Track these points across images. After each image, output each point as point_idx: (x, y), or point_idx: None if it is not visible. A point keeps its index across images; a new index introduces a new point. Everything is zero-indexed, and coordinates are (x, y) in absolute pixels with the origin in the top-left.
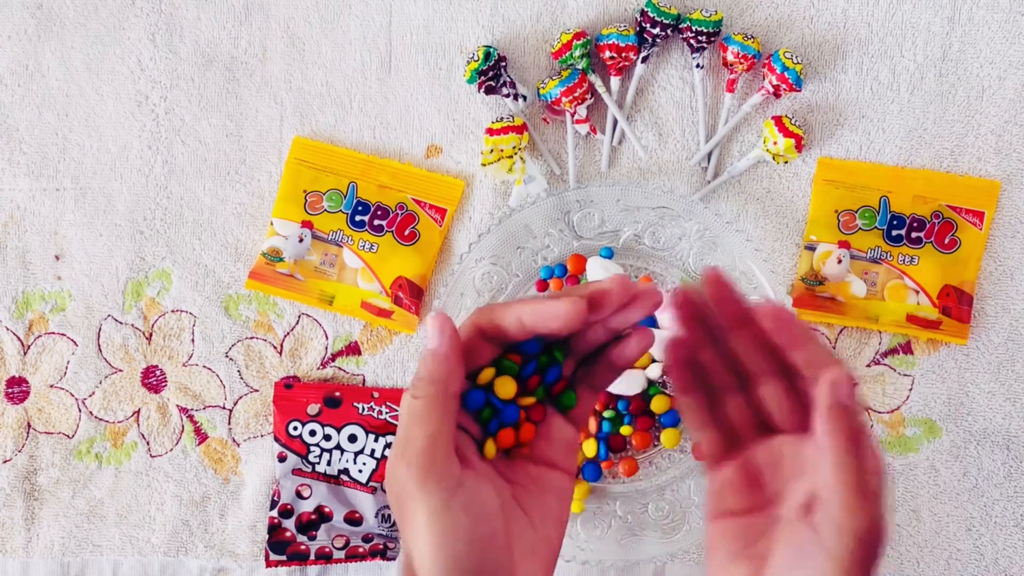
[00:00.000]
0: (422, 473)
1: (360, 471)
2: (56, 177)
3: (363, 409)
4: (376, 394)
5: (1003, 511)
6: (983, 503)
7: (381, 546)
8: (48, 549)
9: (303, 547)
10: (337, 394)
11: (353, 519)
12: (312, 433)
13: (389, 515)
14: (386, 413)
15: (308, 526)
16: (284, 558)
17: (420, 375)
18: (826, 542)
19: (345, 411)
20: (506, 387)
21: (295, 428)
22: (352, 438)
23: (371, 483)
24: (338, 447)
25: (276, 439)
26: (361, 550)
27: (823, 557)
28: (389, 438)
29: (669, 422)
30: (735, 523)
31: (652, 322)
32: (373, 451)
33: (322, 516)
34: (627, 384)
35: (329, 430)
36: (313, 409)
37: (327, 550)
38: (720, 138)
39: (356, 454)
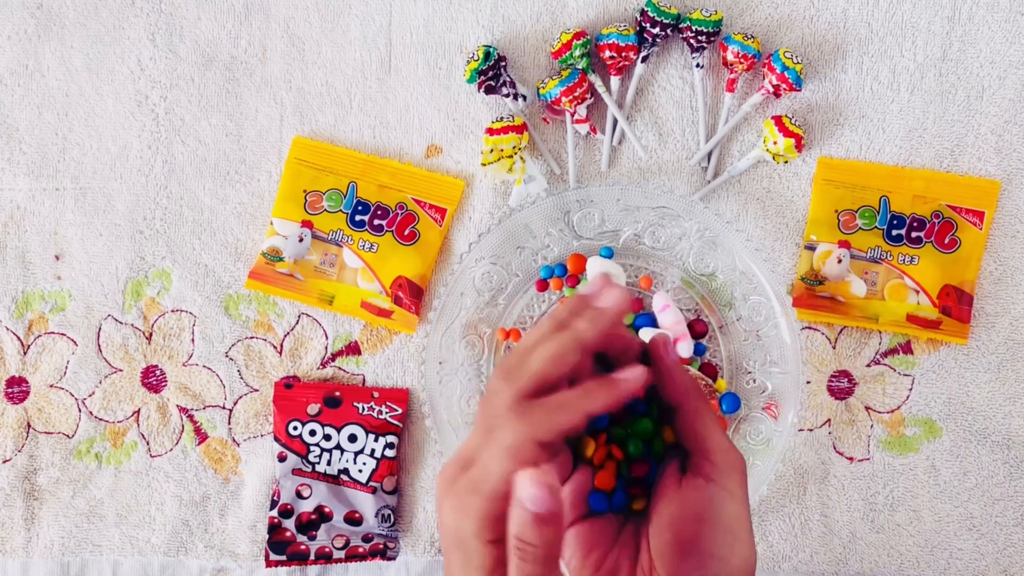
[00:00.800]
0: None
1: (360, 471)
2: (56, 177)
3: (363, 409)
4: (376, 394)
5: (1003, 511)
6: (983, 503)
7: (381, 546)
8: (48, 549)
9: (303, 547)
10: (337, 394)
11: (353, 519)
12: (312, 433)
13: (389, 515)
14: (386, 413)
15: (308, 526)
16: (284, 558)
17: (528, 540)
18: (722, 483)
19: (345, 411)
20: (607, 479)
21: (295, 428)
22: (352, 438)
23: (371, 483)
24: (338, 447)
25: (276, 439)
26: (361, 550)
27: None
28: (390, 438)
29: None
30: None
31: (651, 321)
32: (373, 451)
33: (322, 516)
34: None
35: (329, 430)
36: (313, 409)
37: (327, 550)
38: (720, 138)
39: (356, 454)
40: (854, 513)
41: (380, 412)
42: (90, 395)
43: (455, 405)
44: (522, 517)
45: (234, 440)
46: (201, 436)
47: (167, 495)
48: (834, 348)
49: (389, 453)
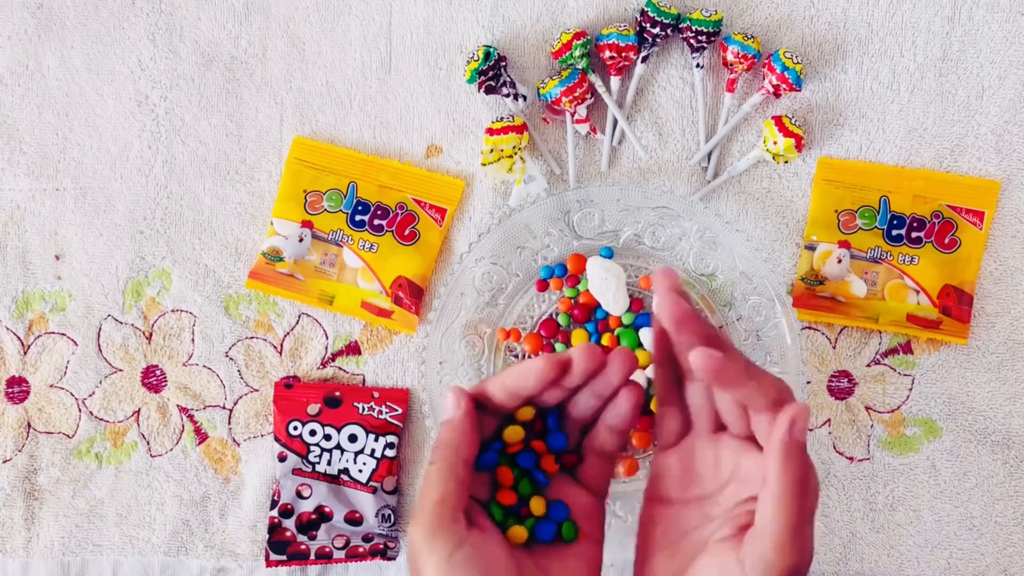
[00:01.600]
0: (429, 531)
1: (360, 471)
2: (56, 177)
3: (363, 409)
4: (376, 394)
5: (1003, 510)
6: (984, 502)
7: (381, 546)
8: (48, 549)
9: (303, 547)
10: (337, 394)
11: (353, 519)
12: (312, 433)
13: (389, 515)
14: (386, 413)
15: (308, 526)
16: (284, 558)
17: (436, 442)
18: (749, 572)
19: (345, 411)
20: (515, 434)
21: (295, 428)
22: (352, 438)
23: (371, 483)
24: (338, 447)
25: (276, 439)
26: (361, 550)
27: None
28: (390, 438)
29: None
30: (667, 511)
31: (646, 321)
32: (373, 451)
33: (322, 516)
34: None
35: (329, 430)
36: (313, 409)
37: (327, 550)
38: (720, 138)
39: (356, 454)
40: (854, 513)
41: (380, 412)
42: (90, 395)
43: None
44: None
45: (234, 440)
46: (201, 436)
47: (167, 495)
48: (834, 348)
49: (389, 453)
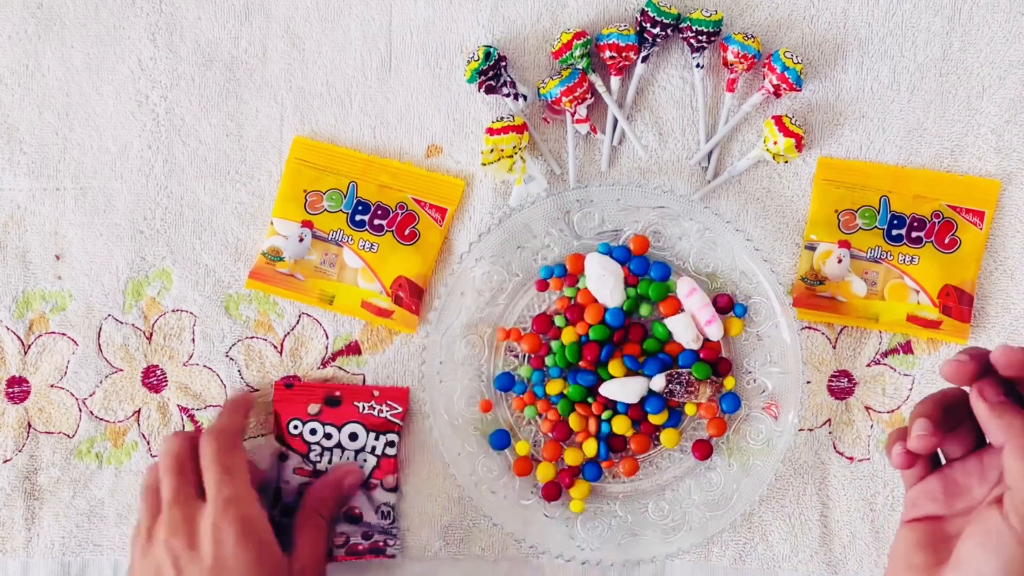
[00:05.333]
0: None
1: (360, 469)
2: (56, 177)
3: (363, 408)
4: (376, 392)
5: None
6: None
7: (381, 543)
8: (48, 549)
9: None
10: (337, 394)
11: (353, 516)
12: (312, 432)
13: (389, 512)
14: (386, 411)
15: None
16: None
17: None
18: (1016, 527)
19: (345, 410)
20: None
21: (295, 427)
22: (353, 436)
23: (371, 480)
24: (339, 445)
25: (277, 438)
26: (360, 547)
27: (1013, 541)
28: (390, 436)
29: (671, 423)
30: (928, 525)
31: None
32: (374, 448)
33: None
34: (626, 391)
35: (330, 429)
36: (314, 408)
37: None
38: (720, 138)
39: (357, 452)
40: (854, 513)
41: (381, 411)
42: (90, 395)
43: (455, 405)
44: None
45: None
46: None
47: None
48: (834, 348)
49: (389, 451)
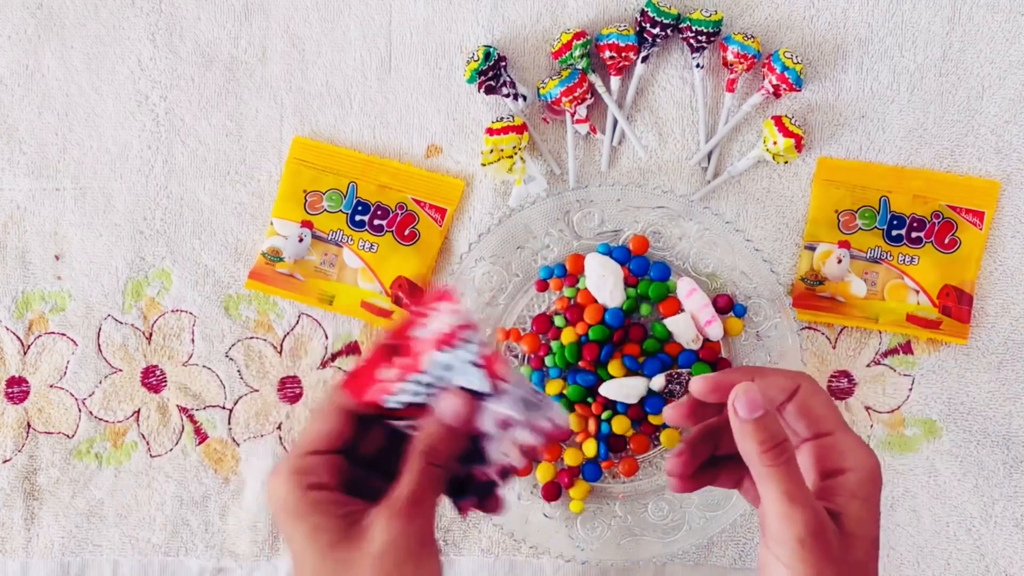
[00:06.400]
0: None
1: (472, 381)
2: (56, 177)
3: (424, 333)
4: (420, 307)
5: (1003, 511)
6: (983, 503)
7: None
8: (48, 549)
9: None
10: (392, 342)
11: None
12: (415, 395)
13: (529, 400)
14: (449, 319)
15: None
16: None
17: (439, 446)
18: (781, 558)
19: (412, 351)
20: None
21: (396, 402)
22: (447, 368)
23: (491, 382)
24: (441, 379)
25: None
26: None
27: (785, 573)
28: (467, 334)
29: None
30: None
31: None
32: (473, 363)
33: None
34: (626, 391)
35: (420, 377)
36: (388, 373)
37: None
38: (720, 138)
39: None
40: None
41: (443, 321)
42: (90, 395)
43: None
44: (437, 426)
45: (234, 440)
46: (201, 436)
47: (167, 495)
48: (834, 348)
49: (483, 350)
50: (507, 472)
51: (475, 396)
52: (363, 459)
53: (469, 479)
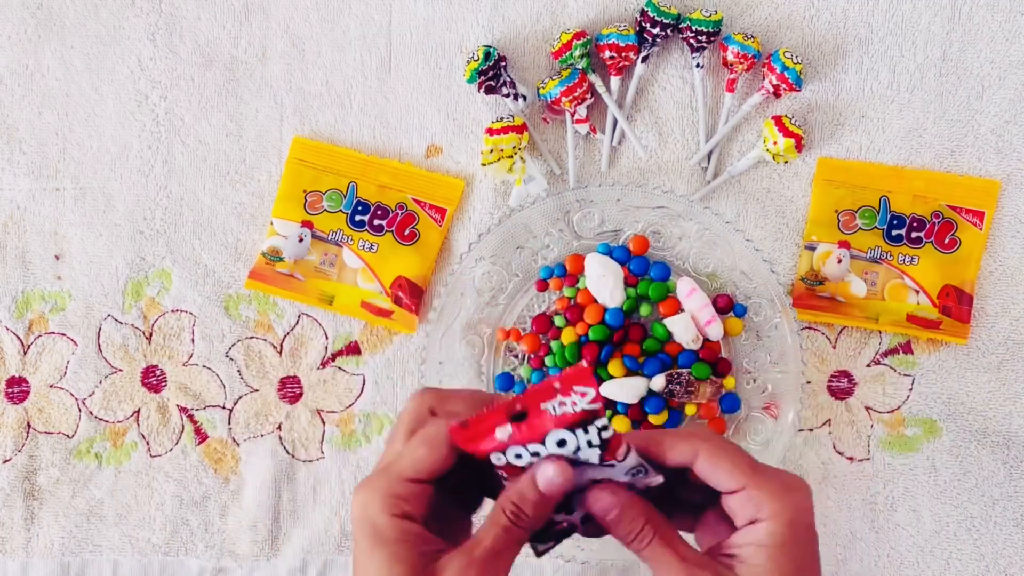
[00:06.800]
0: None
1: (589, 459)
2: (56, 177)
3: (555, 409)
4: (558, 385)
5: (1003, 511)
6: (983, 503)
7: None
8: (48, 549)
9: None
10: (518, 407)
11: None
12: (518, 456)
13: (642, 468)
14: (581, 401)
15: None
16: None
17: (527, 511)
18: None
19: (536, 420)
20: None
21: (499, 459)
22: (561, 443)
23: (606, 463)
24: (553, 453)
25: (496, 472)
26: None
27: None
28: (598, 422)
29: (671, 425)
30: None
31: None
32: (589, 443)
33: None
34: (626, 391)
35: (534, 447)
36: (503, 433)
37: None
38: (720, 138)
39: (575, 451)
40: (854, 513)
41: (575, 403)
42: (90, 395)
43: None
44: (530, 491)
45: (234, 440)
46: (201, 436)
47: (167, 495)
48: (834, 348)
49: (605, 435)
50: (588, 518)
51: (577, 464)
52: (447, 484)
53: (550, 525)
